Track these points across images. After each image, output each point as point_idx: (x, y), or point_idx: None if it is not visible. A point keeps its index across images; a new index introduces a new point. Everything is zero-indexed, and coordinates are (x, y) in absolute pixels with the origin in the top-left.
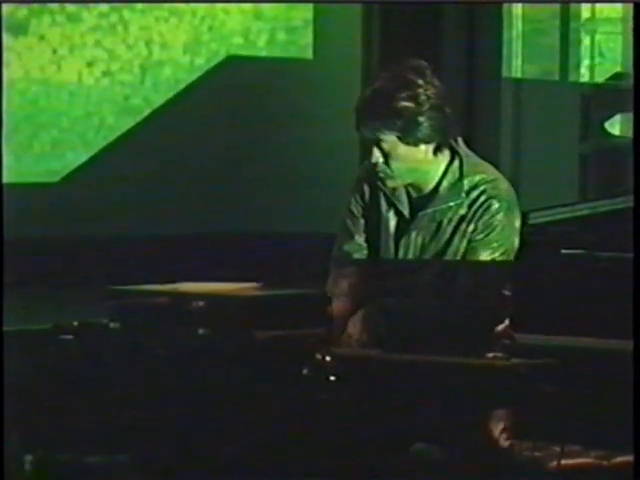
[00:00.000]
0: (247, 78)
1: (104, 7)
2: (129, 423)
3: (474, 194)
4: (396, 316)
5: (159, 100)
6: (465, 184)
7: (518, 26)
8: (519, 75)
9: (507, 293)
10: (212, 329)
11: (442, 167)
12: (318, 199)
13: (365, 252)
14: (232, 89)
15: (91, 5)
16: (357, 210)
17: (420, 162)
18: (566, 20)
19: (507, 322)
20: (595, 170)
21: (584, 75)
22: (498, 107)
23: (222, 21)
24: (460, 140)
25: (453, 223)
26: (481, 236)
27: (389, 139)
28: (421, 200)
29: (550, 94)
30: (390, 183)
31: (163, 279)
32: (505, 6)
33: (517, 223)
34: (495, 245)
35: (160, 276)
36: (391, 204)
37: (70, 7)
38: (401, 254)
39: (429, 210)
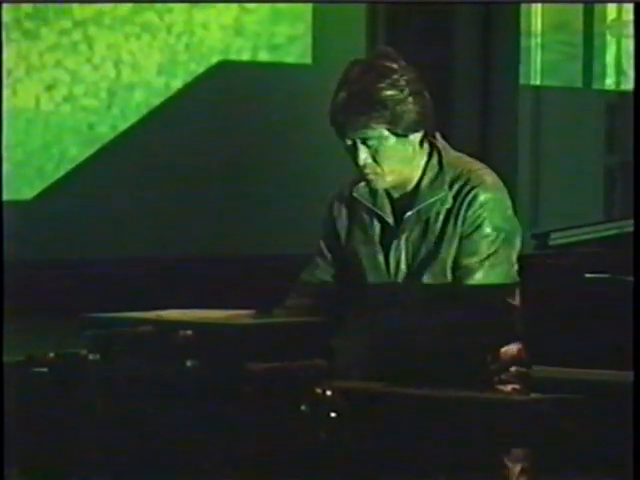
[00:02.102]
0: (227, 102)
1: (66, 24)
2: (110, 464)
3: (457, 186)
4: (393, 343)
5: (128, 128)
6: (446, 176)
7: (537, 28)
8: (538, 82)
9: (515, 306)
10: (200, 361)
11: (422, 163)
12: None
13: (332, 274)
14: (211, 115)
15: (91, 5)
16: (334, 230)
17: (408, 155)
18: (590, 22)
19: (519, 344)
20: (622, 185)
21: (610, 82)
22: (515, 117)
23: (200, 38)
24: (438, 134)
25: (440, 219)
26: (472, 228)
27: (378, 133)
28: (404, 202)
29: (573, 102)
30: (381, 184)
31: (146, 306)
32: (523, 7)
33: (509, 212)
34: (491, 238)
35: (143, 303)
36: (373, 214)
37: (27, 23)
38: (392, 266)
39: (413, 211)
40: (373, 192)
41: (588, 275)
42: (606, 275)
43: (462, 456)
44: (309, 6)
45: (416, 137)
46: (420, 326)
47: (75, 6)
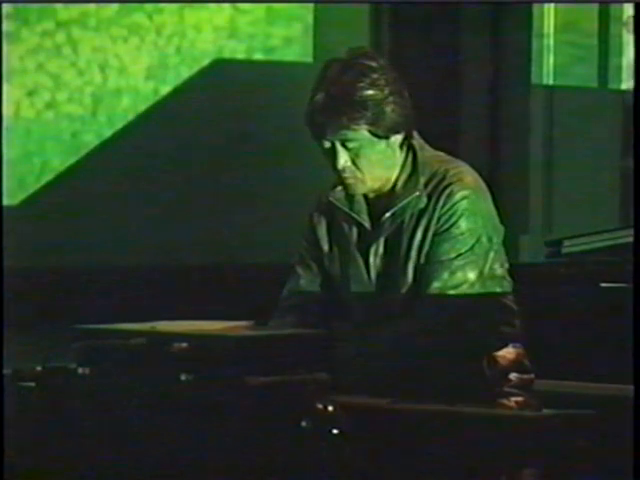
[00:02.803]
0: (221, 108)
1: (48, 25)
2: None
3: (432, 184)
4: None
5: (115, 136)
6: (421, 176)
7: (550, 25)
8: (551, 82)
9: (502, 306)
10: (196, 374)
11: (399, 164)
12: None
13: (318, 284)
14: (203, 122)
15: (79, 5)
16: (315, 239)
17: (388, 158)
18: (605, 18)
19: (517, 349)
20: None
21: (627, 81)
22: (527, 118)
23: (192, 41)
24: (415, 133)
25: (414, 219)
26: (446, 226)
27: (358, 135)
28: (380, 205)
29: (587, 102)
30: (360, 188)
31: (139, 317)
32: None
33: (488, 211)
34: (465, 235)
35: (136, 313)
36: (350, 218)
37: (7, 24)
38: (372, 271)
39: (388, 213)
40: (350, 196)
41: (604, 285)
42: (623, 285)
43: (470, 476)
44: (307, 6)
45: (397, 139)
46: (406, 333)
47: (59, 6)
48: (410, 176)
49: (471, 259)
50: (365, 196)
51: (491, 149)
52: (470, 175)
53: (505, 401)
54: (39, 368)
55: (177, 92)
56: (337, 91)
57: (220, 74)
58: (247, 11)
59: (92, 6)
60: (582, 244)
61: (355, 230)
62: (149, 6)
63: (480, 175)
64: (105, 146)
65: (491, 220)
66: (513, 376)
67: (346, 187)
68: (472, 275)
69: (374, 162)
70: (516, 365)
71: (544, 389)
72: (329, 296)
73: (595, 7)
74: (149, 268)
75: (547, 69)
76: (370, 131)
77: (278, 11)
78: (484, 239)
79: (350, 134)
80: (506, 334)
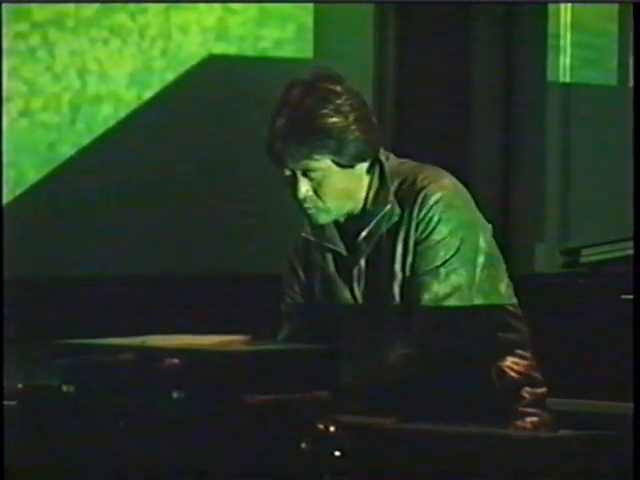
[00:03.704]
0: (208, 116)
1: (23, 26)
2: None
3: (402, 193)
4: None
5: (94, 147)
6: (390, 187)
7: (567, 19)
8: (568, 79)
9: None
10: (188, 392)
11: (366, 181)
12: None
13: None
14: (190, 130)
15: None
16: (299, 282)
17: (353, 187)
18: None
19: (526, 361)
20: None
21: None
22: (542, 120)
23: (178, 43)
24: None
25: (392, 233)
26: (425, 233)
27: (321, 165)
28: (353, 227)
29: (606, 103)
30: (323, 218)
31: (128, 330)
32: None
33: (467, 210)
34: (447, 239)
35: (124, 327)
36: (325, 249)
37: None
38: (359, 297)
39: (362, 234)
40: (320, 225)
41: (624, 296)
42: None
43: None
44: (301, 6)
45: (363, 167)
46: (404, 350)
47: (34, 6)
48: (379, 190)
49: (458, 264)
50: (336, 221)
51: (504, 153)
52: (443, 176)
53: (519, 422)
54: (21, 386)
55: (163, 99)
56: (299, 117)
57: (209, 78)
58: (237, 11)
59: (70, 6)
60: (601, 253)
61: (331, 259)
62: (132, 5)
63: (492, 182)
64: (84, 157)
65: (473, 219)
66: (525, 392)
67: (308, 217)
68: (462, 280)
69: (338, 191)
70: (527, 378)
71: (560, 408)
72: (319, 335)
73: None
74: (135, 279)
75: (563, 68)
76: (334, 160)
77: (270, 11)
78: (469, 240)
79: (312, 164)
80: (510, 341)
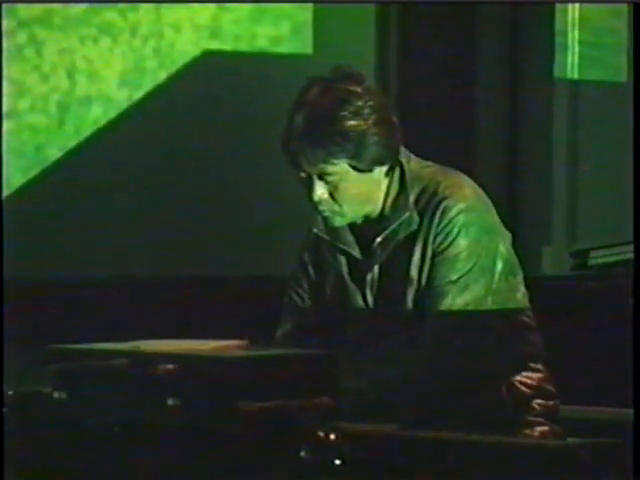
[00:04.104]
0: (202, 117)
1: (9, 24)
2: None
3: (422, 201)
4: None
5: (83, 150)
6: (410, 194)
7: (575, 14)
8: (576, 75)
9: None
10: (184, 399)
11: (384, 184)
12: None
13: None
14: (184, 132)
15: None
16: (308, 279)
17: (371, 191)
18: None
19: (538, 373)
20: None
21: None
22: (550, 119)
23: (171, 42)
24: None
25: (409, 241)
26: (444, 246)
27: (338, 169)
28: (368, 231)
29: (615, 99)
30: (339, 221)
31: (121, 336)
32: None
33: (489, 221)
34: (465, 253)
35: (117, 332)
36: (337, 249)
37: None
38: (371, 303)
39: (378, 239)
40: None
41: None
42: None
43: None
44: (298, 4)
45: (382, 171)
46: (413, 362)
47: (20, 6)
48: (398, 195)
49: (474, 277)
50: (351, 222)
51: (510, 152)
52: (465, 185)
53: (528, 431)
54: (11, 392)
55: (155, 99)
56: (316, 118)
57: (203, 78)
58: (231, 9)
59: (57, 6)
60: (611, 255)
61: (345, 261)
62: (122, 4)
63: (497, 180)
64: (72, 160)
65: (494, 230)
66: (536, 403)
67: (323, 220)
68: (478, 294)
69: (354, 195)
70: (539, 391)
71: (569, 415)
72: (326, 330)
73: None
74: (126, 282)
75: (571, 66)
76: (351, 164)
77: (265, 8)
78: (488, 252)
79: (328, 168)
80: (524, 353)
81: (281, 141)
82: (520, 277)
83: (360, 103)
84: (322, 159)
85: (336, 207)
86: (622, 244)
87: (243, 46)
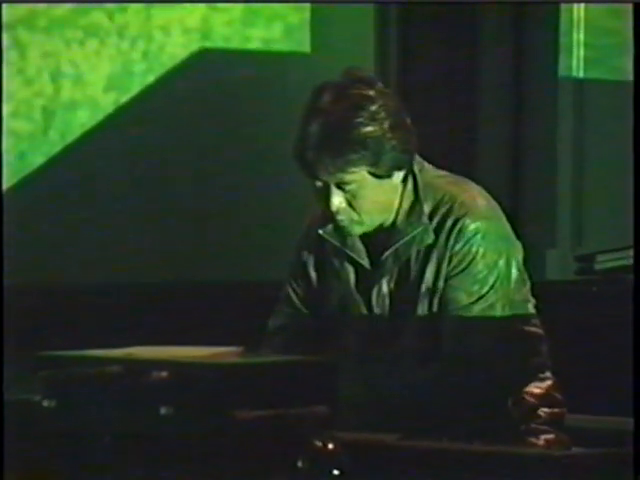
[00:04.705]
0: (195, 124)
1: None
2: None
3: (438, 216)
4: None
5: (69, 157)
6: (425, 206)
7: (579, 14)
8: (581, 74)
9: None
10: (178, 408)
11: (398, 193)
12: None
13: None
14: (174, 140)
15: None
16: (307, 278)
17: (390, 197)
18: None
19: (546, 381)
20: None
21: None
22: (554, 117)
23: (160, 44)
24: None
25: (421, 257)
26: (461, 267)
27: (356, 177)
28: (379, 241)
29: (622, 98)
30: (356, 230)
31: (113, 341)
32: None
33: (505, 239)
34: (484, 273)
35: (109, 338)
36: (345, 256)
37: None
38: (376, 313)
39: (389, 251)
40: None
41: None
42: None
43: None
44: (290, 5)
45: (399, 176)
46: (423, 377)
47: (3, 5)
48: (412, 205)
49: (495, 297)
50: (361, 235)
51: (513, 154)
52: (479, 199)
53: (533, 439)
54: None
55: (143, 104)
56: (332, 126)
57: (193, 82)
58: (222, 10)
59: (43, 6)
60: (617, 259)
61: (352, 269)
62: (109, 4)
63: (501, 182)
64: (57, 168)
65: (509, 244)
66: (542, 411)
67: (340, 229)
68: (498, 313)
69: (373, 202)
70: (545, 399)
71: (575, 424)
72: (323, 337)
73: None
74: (111, 288)
75: (576, 66)
76: (370, 172)
77: (257, 10)
78: (505, 269)
79: (347, 177)
80: (532, 364)
81: (295, 149)
82: (529, 286)
83: (375, 107)
84: (340, 168)
85: (354, 215)
86: (629, 248)
87: (235, 49)
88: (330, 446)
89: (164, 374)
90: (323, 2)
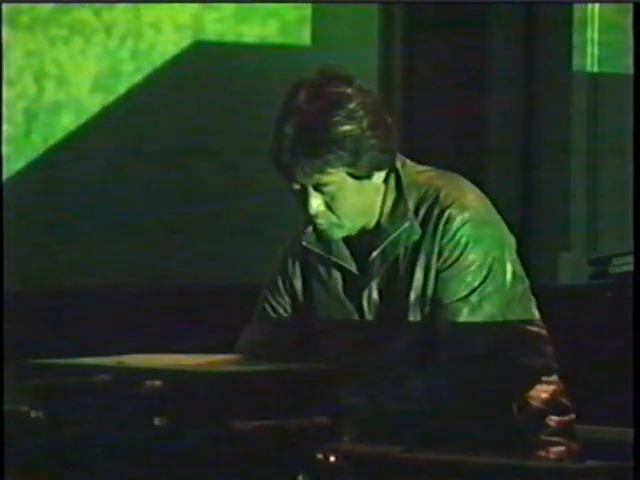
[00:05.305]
0: (185, 127)
1: None
2: None
3: (423, 210)
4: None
5: (52, 161)
6: (409, 201)
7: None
8: (595, 69)
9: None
10: (172, 418)
11: (380, 194)
12: None
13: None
14: (165, 143)
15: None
16: (292, 290)
17: (370, 199)
18: None
19: (553, 386)
20: None
21: None
22: (568, 119)
23: (150, 43)
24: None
25: (409, 254)
26: (450, 260)
27: (334, 178)
28: (365, 244)
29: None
30: (337, 234)
31: (104, 350)
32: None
33: (495, 228)
34: (475, 265)
35: (100, 345)
36: (330, 263)
37: None
38: (367, 318)
39: (376, 252)
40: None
41: None
42: None
43: None
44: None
45: (380, 176)
46: (422, 383)
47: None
48: (396, 203)
49: (488, 290)
50: (345, 238)
51: (524, 150)
52: (466, 190)
53: (543, 452)
54: None
55: (131, 106)
56: (308, 126)
57: (184, 82)
58: (215, 7)
59: (25, 6)
60: (633, 263)
61: (339, 275)
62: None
63: (512, 182)
64: (40, 173)
65: (501, 238)
66: (550, 420)
67: (320, 233)
68: (494, 308)
69: (353, 204)
70: (553, 405)
71: (587, 435)
72: (305, 347)
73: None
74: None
75: (590, 64)
76: (348, 172)
77: (251, 7)
78: (498, 263)
79: (324, 178)
80: (535, 366)
81: (271, 152)
82: (527, 284)
83: (352, 105)
84: (318, 170)
85: (334, 218)
86: None
87: (228, 47)
88: (332, 459)
89: (158, 383)
90: (323, 2)
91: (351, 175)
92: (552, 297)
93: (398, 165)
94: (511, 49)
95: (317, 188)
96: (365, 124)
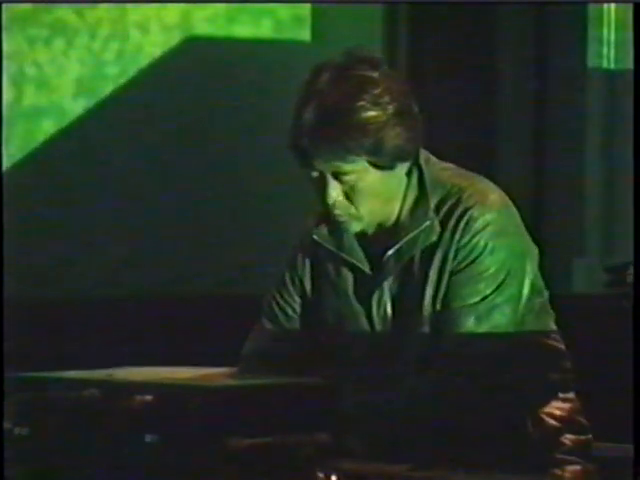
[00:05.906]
0: (172, 131)
1: None
2: None
3: (445, 209)
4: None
5: (31, 169)
6: (431, 199)
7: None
8: (612, 65)
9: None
10: (164, 435)
11: (402, 187)
12: None
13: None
14: (150, 149)
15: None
16: (302, 288)
17: (392, 191)
18: None
19: (569, 403)
20: None
21: None
22: (582, 119)
23: (137, 45)
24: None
25: (426, 255)
26: (465, 262)
27: (355, 167)
28: (381, 241)
29: None
30: (355, 227)
31: (92, 362)
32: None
33: (517, 235)
34: (490, 272)
35: (88, 357)
36: (341, 261)
37: None
38: (376, 323)
39: (391, 251)
40: (340, 231)
41: None
42: None
43: None
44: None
45: (403, 168)
46: (426, 392)
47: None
48: (417, 200)
49: (500, 300)
50: (359, 236)
51: (537, 156)
52: (491, 192)
53: (558, 471)
54: None
55: (116, 111)
56: (329, 110)
57: (173, 86)
58: (204, 6)
59: (6, 6)
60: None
61: (350, 274)
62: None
63: (524, 188)
64: (18, 182)
65: (521, 244)
66: (566, 438)
67: (337, 224)
68: (504, 319)
69: (373, 196)
70: (569, 424)
71: (605, 455)
72: (314, 349)
73: None
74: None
75: (607, 61)
76: (370, 161)
77: (242, 5)
78: (515, 271)
79: (345, 166)
80: (552, 382)
81: (289, 137)
82: (546, 296)
83: (378, 91)
84: (338, 157)
85: (353, 210)
86: None
87: (218, 48)
88: (333, 478)
89: (149, 398)
90: (324, 2)
91: (373, 165)
92: (566, 306)
93: (421, 161)
94: (520, 46)
95: (336, 177)
96: (390, 111)
